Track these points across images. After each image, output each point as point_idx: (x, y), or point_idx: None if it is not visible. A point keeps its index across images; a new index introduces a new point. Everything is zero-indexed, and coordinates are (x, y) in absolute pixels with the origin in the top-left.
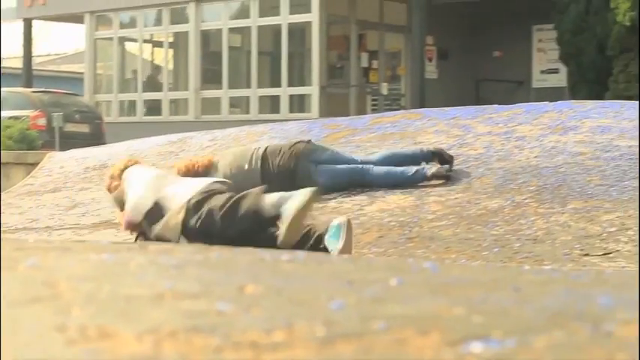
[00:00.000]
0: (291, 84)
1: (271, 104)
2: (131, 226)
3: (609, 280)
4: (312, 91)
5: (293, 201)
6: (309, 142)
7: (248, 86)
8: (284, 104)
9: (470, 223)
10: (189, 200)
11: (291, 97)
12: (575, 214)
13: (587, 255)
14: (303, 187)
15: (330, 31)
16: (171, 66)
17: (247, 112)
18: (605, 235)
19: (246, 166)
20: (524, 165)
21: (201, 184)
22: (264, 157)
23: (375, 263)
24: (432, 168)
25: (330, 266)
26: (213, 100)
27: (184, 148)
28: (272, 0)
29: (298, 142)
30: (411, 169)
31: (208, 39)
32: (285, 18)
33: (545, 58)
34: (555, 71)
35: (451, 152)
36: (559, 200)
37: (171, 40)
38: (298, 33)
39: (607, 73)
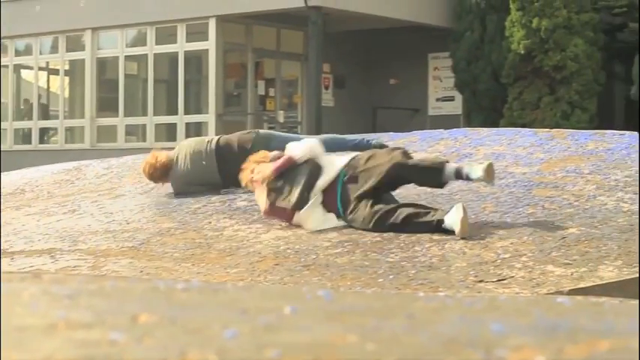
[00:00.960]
0: (187, 112)
1: (168, 132)
2: (286, 165)
3: (502, 306)
4: (209, 118)
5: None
6: (256, 132)
7: (144, 114)
8: (180, 132)
9: (365, 251)
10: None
11: (188, 124)
12: (470, 241)
13: (481, 281)
14: None
15: (227, 59)
16: (67, 94)
17: (144, 140)
18: (499, 261)
19: (204, 162)
20: (419, 192)
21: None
22: (218, 152)
23: (270, 291)
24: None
25: (224, 295)
26: (110, 127)
27: (80, 176)
28: (169, 28)
29: (247, 132)
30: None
31: (104, 66)
32: (181, 46)
33: (441, 85)
34: (451, 99)
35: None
36: None
37: (67, 67)
38: (195, 61)
39: (502, 101)
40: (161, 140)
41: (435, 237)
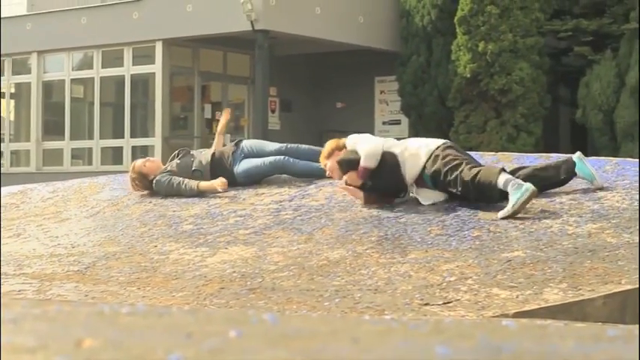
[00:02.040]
0: (134, 135)
1: (114, 155)
2: (366, 174)
3: (448, 329)
4: (155, 142)
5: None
6: (238, 142)
7: (90, 137)
8: (127, 155)
9: (311, 274)
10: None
11: (134, 148)
12: (416, 264)
13: (427, 304)
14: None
15: (174, 82)
16: (12, 117)
17: (90, 164)
18: (445, 284)
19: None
20: (365, 216)
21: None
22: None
23: (215, 315)
24: None
25: (169, 319)
26: (55, 151)
27: (25, 200)
28: (115, 51)
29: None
30: None
31: (51, 90)
32: (128, 69)
33: (387, 109)
34: (397, 122)
35: (293, 203)
36: (400, 250)
37: (13, 90)
38: (141, 84)
39: (448, 124)
40: (107, 164)
41: (382, 260)
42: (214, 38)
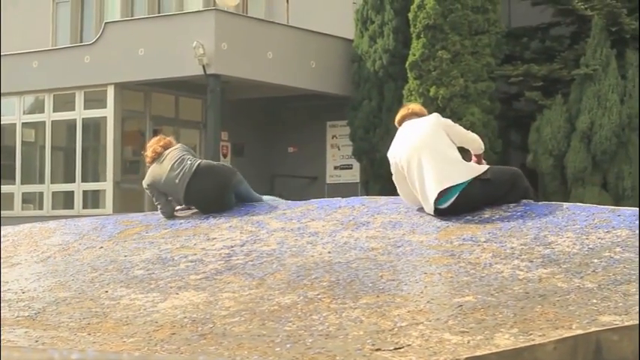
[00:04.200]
0: (85, 179)
1: (65, 200)
2: None
3: None
4: (107, 186)
5: None
6: (236, 173)
7: (41, 182)
8: (78, 200)
9: (263, 319)
10: None
11: (85, 192)
12: (367, 309)
13: (378, 350)
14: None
15: (125, 126)
16: None
17: (40, 208)
18: (396, 329)
19: (177, 180)
20: (317, 261)
21: None
22: (189, 183)
23: None
24: None
25: None
26: (6, 195)
27: None
28: (67, 95)
29: (229, 172)
30: None
31: (1, 134)
32: (79, 113)
33: (339, 154)
34: (349, 167)
35: (244, 248)
36: (351, 295)
37: None
38: (93, 128)
39: None
40: (58, 208)
41: (333, 305)
42: (166, 82)
